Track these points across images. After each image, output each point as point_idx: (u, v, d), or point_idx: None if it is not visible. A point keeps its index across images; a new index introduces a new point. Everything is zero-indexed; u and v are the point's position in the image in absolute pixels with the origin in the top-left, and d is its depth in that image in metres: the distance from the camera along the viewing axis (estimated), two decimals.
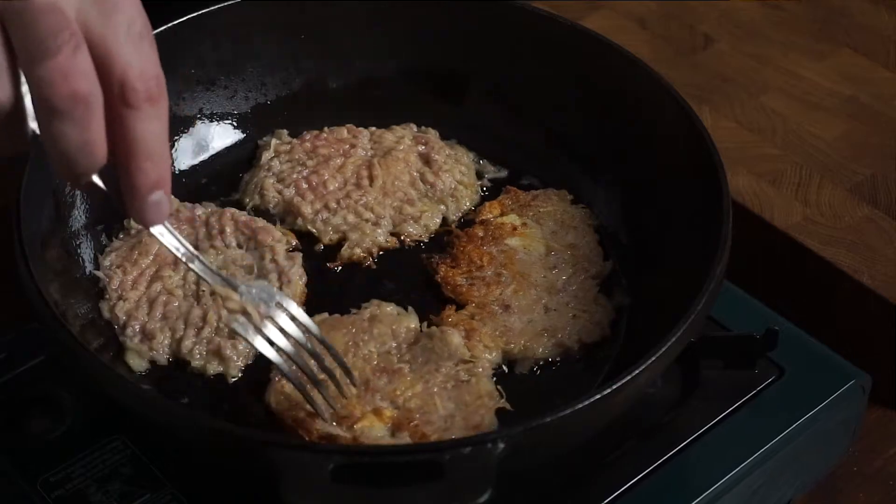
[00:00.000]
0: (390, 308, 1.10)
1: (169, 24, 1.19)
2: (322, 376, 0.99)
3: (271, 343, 0.97)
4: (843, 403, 1.09)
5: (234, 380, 1.06)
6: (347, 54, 1.27)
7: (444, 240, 1.18)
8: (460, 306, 1.11)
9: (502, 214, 1.19)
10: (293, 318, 0.98)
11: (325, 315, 1.10)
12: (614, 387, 0.91)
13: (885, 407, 1.19)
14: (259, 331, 0.97)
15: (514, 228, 1.17)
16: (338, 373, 1.01)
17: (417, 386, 1.03)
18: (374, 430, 1.00)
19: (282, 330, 0.97)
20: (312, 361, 0.99)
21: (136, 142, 0.86)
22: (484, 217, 1.19)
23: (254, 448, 0.89)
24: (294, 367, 0.98)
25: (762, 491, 1.06)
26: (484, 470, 0.86)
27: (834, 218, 1.25)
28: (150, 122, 0.87)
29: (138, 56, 0.86)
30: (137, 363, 1.07)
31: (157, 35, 1.17)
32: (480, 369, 1.05)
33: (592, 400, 0.90)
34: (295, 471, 0.86)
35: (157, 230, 0.94)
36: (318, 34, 1.26)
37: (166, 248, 0.95)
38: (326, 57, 1.27)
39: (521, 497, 1.00)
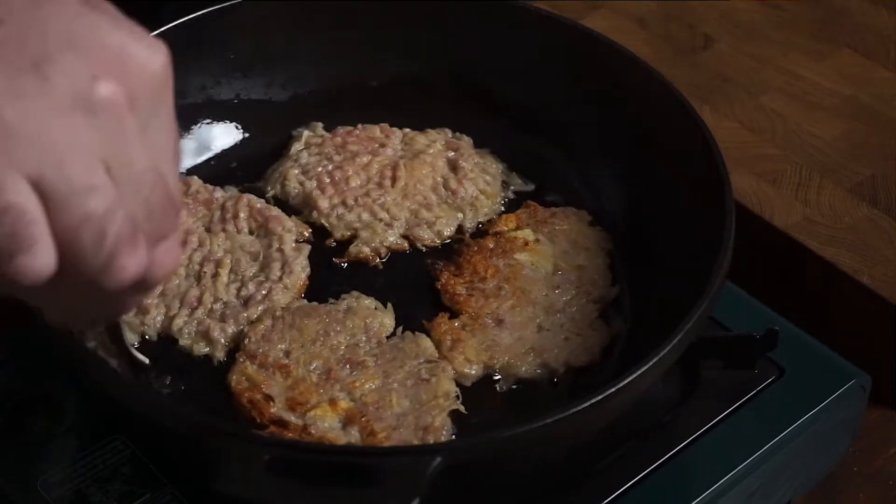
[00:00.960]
0: (368, 301, 1.11)
1: (211, 8, 1.19)
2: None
3: None
4: (843, 403, 1.09)
5: (218, 362, 1.07)
6: (393, 54, 1.27)
7: (453, 247, 1.17)
8: (455, 315, 1.10)
9: (517, 228, 1.17)
10: None
11: (304, 302, 1.11)
12: (558, 417, 0.89)
13: (885, 407, 1.19)
14: None
15: (526, 243, 1.15)
16: None
17: (377, 379, 1.04)
18: (326, 421, 1.01)
19: None
20: None
21: None
22: (498, 229, 1.17)
23: (194, 430, 0.90)
24: None
25: (762, 491, 1.06)
26: (418, 480, 0.85)
27: (834, 218, 1.25)
28: None
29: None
30: (128, 336, 1.08)
31: (198, 18, 1.19)
32: (442, 370, 1.04)
33: (534, 426, 0.89)
34: (229, 458, 0.87)
35: None
36: (365, 31, 1.26)
37: None
38: (370, 54, 1.27)
39: (519, 497, 1.00)
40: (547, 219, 1.18)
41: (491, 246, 1.15)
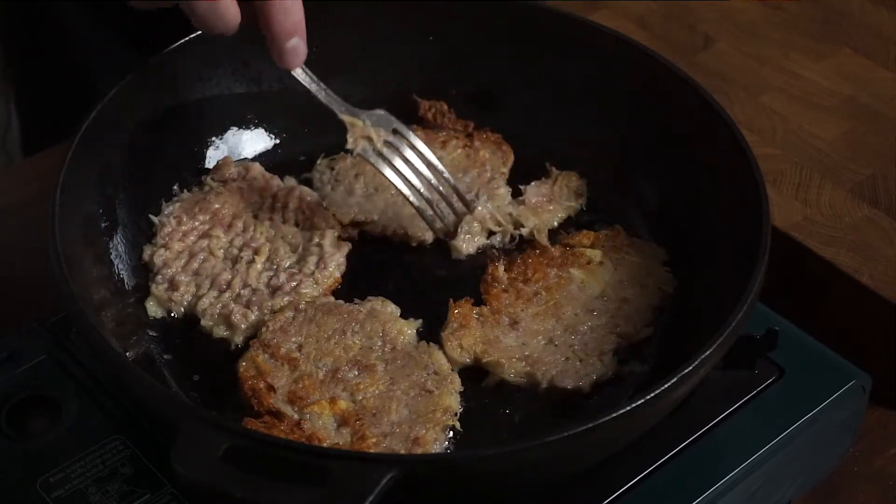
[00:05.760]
0: (391, 308, 1.11)
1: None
2: (436, 195, 1.15)
3: (393, 167, 1.13)
4: (843, 403, 1.09)
5: (235, 347, 1.09)
6: (474, 65, 1.27)
7: (523, 247, 1.18)
8: (479, 304, 1.11)
9: (591, 246, 1.17)
10: (411, 146, 1.14)
11: (331, 299, 1.11)
12: (500, 451, 0.91)
13: (885, 407, 1.19)
14: (381, 155, 1.13)
15: (588, 262, 1.15)
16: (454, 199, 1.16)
17: (382, 385, 1.04)
18: (321, 418, 1.01)
19: (400, 155, 1.14)
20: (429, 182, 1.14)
21: None
22: (571, 241, 1.17)
23: (161, 405, 0.93)
24: (413, 189, 1.12)
25: (762, 491, 1.06)
26: (366, 488, 0.86)
27: (834, 218, 1.25)
28: None
29: None
30: (154, 309, 1.11)
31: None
32: (448, 384, 1.05)
33: (478, 454, 0.92)
34: (189, 440, 0.88)
35: (297, 73, 1.08)
36: (449, 39, 1.27)
37: (304, 86, 1.10)
38: (449, 63, 1.27)
39: (519, 497, 1.00)
40: (624, 246, 1.17)
41: (556, 255, 1.15)
